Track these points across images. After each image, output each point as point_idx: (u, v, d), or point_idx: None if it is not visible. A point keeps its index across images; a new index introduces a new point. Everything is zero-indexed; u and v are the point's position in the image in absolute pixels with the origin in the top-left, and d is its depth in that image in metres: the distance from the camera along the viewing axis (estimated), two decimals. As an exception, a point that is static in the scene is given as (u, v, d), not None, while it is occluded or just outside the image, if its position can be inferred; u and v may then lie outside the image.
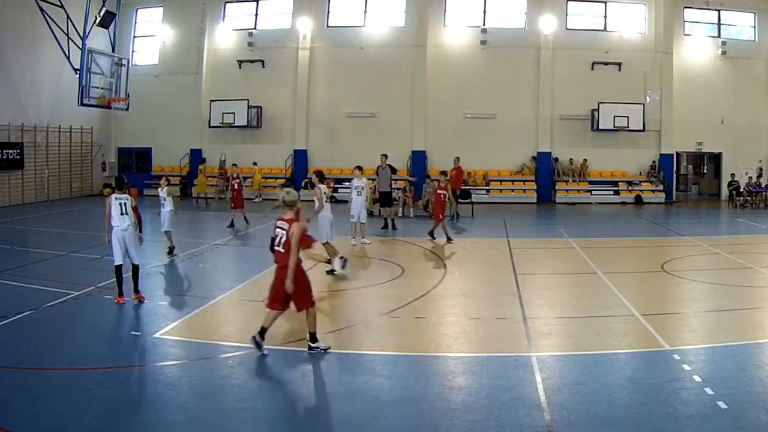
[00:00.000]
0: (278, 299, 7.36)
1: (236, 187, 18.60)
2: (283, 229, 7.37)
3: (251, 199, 26.27)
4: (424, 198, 22.27)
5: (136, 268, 10.01)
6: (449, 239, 15.85)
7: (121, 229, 9.85)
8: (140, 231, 10.32)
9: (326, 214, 12.40)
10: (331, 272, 11.83)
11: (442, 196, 16.48)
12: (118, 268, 9.80)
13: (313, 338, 7.58)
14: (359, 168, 15.89)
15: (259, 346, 7.40)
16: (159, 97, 28.90)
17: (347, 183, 27.78)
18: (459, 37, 28.12)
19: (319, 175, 12.76)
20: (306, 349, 7.63)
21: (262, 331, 7.43)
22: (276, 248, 7.42)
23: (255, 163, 27.76)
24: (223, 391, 6.49)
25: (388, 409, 6.11)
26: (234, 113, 28.15)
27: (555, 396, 6.26)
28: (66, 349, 7.72)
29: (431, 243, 15.69)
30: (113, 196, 10.01)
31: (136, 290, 9.95)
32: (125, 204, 9.94)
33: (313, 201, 12.63)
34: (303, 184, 27.98)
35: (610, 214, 24.26)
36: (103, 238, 10.10)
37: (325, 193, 12.43)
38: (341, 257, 11.80)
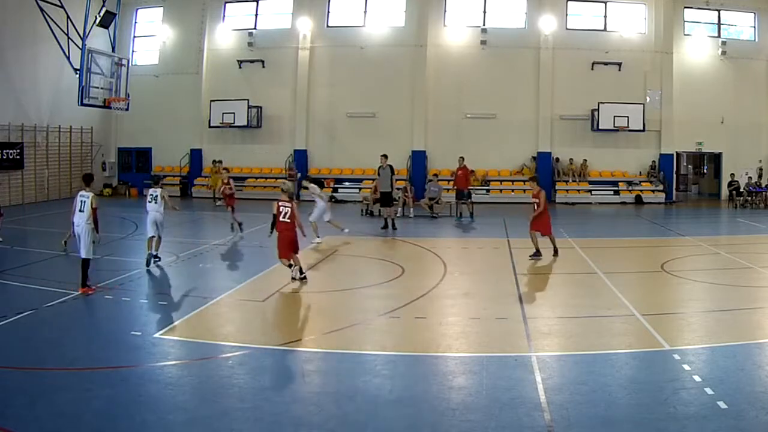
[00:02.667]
0: (286, 250, 11.18)
1: (228, 192, 17.15)
2: (287, 207, 11.16)
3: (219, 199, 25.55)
4: (432, 198, 22.06)
5: (84, 262, 10.36)
6: (538, 254, 13.78)
7: (75, 224, 10.48)
8: (96, 231, 10.56)
9: (156, 214, 12.74)
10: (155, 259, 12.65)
11: (535, 205, 14.03)
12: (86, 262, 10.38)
13: (300, 271, 11.20)
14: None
15: (302, 275, 11.14)
16: (159, 97, 28.87)
17: (347, 183, 28.03)
18: (459, 37, 28.10)
19: (156, 179, 13.60)
20: (305, 349, 7.80)
21: (300, 270, 11.16)
22: (282, 219, 11.09)
23: (220, 161, 25.65)
24: (223, 391, 6.49)
25: (388, 409, 6.11)
26: (234, 113, 28.12)
27: (555, 396, 6.26)
28: (66, 349, 7.72)
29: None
30: (79, 192, 10.61)
31: (84, 284, 10.29)
32: (84, 201, 10.43)
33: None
34: (304, 185, 28.08)
35: (610, 214, 24.26)
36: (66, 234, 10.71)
37: (166, 197, 13.17)
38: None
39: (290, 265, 11.30)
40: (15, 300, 9.77)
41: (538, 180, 15.19)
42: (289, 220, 11.05)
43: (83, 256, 10.37)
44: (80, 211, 10.42)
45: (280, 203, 11.20)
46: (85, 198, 10.47)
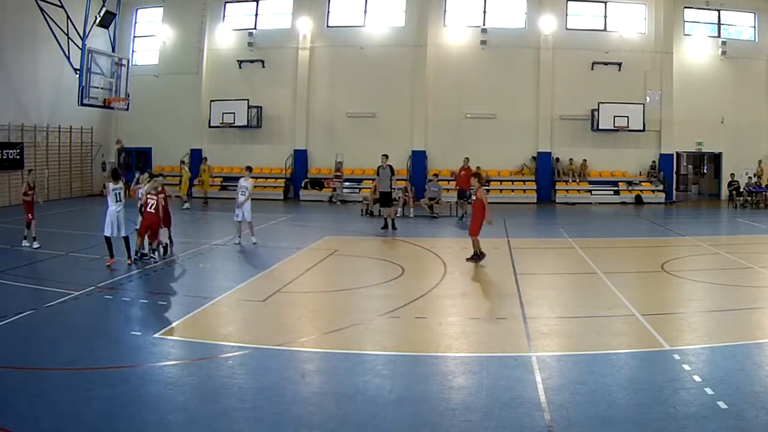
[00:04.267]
0: (153, 234, 12.93)
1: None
2: (154, 199, 12.83)
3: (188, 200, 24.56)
4: (432, 198, 22.03)
5: (126, 239, 12.74)
6: (481, 255, 13.29)
7: (115, 211, 12.56)
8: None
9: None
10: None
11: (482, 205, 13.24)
12: (107, 239, 12.44)
13: (136, 252, 12.83)
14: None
15: (136, 256, 12.75)
16: (159, 97, 28.87)
17: (347, 183, 28.02)
18: (459, 37, 28.10)
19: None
20: (305, 349, 7.81)
21: (135, 252, 12.85)
22: (149, 210, 12.77)
23: (183, 162, 26.27)
24: (223, 391, 6.49)
25: (388, 409, 6.11)
26: (234, 113, 28.13)
27: (555, 396, 6.26)
28: (66, 349, 7.72)
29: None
30: (110, 185, 12.72)
31: (129, 256, 12.61)
32: (119, 193, 12.71)
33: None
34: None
35: (610, 214, 24.26)
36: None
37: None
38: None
39: (145, 252, 13.09)
40: (15, 300, 9.77)
41: (480, 177, 13.87)
42: (154, 211, 12.85)
43: (123, 234, 12.66)
44: (118, 201, 12.55)
45: (148, 196, 13.03)
46: (119, 190, 12.65)
